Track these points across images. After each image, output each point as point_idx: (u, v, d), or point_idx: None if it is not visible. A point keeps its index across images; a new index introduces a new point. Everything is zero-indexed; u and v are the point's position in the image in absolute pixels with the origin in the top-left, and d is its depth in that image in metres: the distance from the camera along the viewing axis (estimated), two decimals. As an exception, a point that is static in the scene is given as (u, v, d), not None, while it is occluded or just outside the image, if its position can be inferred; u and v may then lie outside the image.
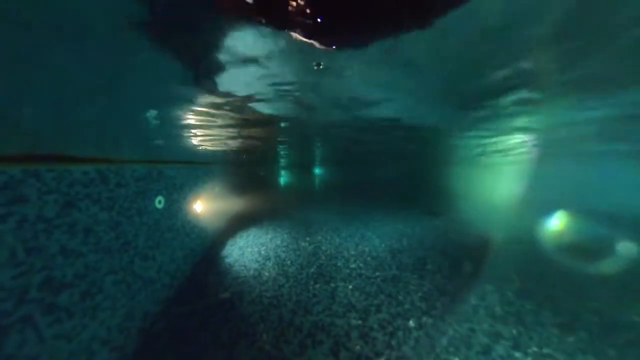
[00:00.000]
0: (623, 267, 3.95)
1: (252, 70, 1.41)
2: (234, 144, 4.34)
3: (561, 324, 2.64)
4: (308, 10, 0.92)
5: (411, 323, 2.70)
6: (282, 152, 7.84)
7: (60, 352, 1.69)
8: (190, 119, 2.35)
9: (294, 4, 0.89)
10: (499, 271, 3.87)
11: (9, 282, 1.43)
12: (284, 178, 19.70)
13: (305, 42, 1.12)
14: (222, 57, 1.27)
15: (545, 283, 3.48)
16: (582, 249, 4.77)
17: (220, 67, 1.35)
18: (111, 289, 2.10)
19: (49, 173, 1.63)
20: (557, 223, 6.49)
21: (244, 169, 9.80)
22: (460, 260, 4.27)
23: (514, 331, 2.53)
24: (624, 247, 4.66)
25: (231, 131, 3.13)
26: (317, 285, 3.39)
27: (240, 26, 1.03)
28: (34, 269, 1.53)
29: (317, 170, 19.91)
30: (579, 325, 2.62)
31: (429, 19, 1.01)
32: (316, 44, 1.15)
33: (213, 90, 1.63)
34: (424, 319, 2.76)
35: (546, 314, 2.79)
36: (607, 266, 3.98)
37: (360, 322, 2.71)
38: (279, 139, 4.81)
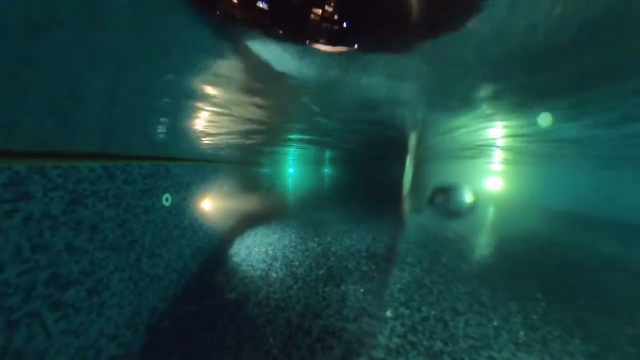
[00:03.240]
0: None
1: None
2: (245, 139, 4.30)
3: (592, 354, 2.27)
4: (335, 17, 0.86)
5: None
6: (292, 151, 7.78)
7: (68, 347, 1.68)
8: (204, 111, 2.30)
9: (318, 12, 0.84)
10: (522, 283, 3.54)
11: (15, 279, 1.42)
12: (293, 177, 19.73)
13: (327, 49, 1.06)
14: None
15: (574, 302, 3.10)
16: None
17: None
18: (118, 286, 2.09)
19: (54, 169, 1.62)
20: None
21: (253, 168, 9.86)
22: (483, 269, 3.96)
23: None
24: None
25: (243, 125, 3.07)
26: (327, 288, 3.25)
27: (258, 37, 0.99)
28: (40, 266, 1.52)
29: (327, 170, 19.75)
30: (613, 356, 2.27)
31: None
32: (338, 49, 1.09)
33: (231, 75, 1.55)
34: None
35: (575, 342, 2.43)
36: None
37: (372, 328, 2.54)
38: (292, 137, 4.73)
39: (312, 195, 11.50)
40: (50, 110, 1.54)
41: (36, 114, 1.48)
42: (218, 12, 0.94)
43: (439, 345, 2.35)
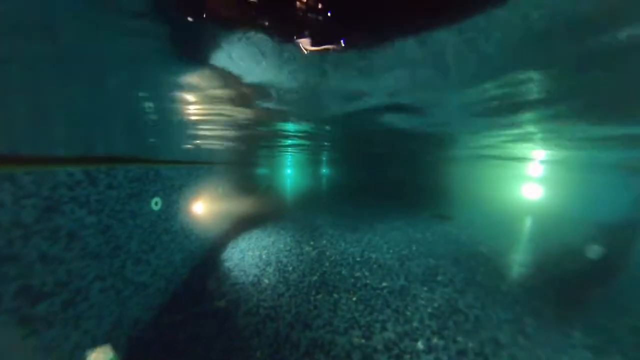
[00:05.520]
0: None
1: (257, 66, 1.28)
2: (238, 140, 4.20)
3: (594, 346, 2.31)
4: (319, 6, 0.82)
5: (420, 345, 2.42)
6: (288, 152, 7.70)
7: (39, 363, 1.59)
8: (191, 111, 2.22)
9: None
10: (518, 282, 3.48)
11: (-21, 292, 1.32)
12: (289, 179, 19.64)
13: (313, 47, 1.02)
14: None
15: (573, 296, 3.06)
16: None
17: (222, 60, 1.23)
18: (98, 296, 1.99)
19: (26, 176, 1.52)
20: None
21: (248, 169, 9.76)
22: (474, 270, 3.90)
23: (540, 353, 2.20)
24: None
25: (235, 126, 2.98)
26: (319, 296, 3.17)
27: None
28: (8, 278, 1.43)
29: (324, 170, 19.68)
30: (615, 347, 2.32)
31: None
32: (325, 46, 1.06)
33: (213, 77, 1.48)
34: (434, 340, 2.48)
35: (576, 334, 2.46)
36: None
37: (363, 341, 2.46)
38: (286, 139, 4.64)
39: (310, 197, 11.41)
40: (23, 112, 1.44)
41: (5, 115, 1.38)
42: (204, 14, 0.88)
43: None
